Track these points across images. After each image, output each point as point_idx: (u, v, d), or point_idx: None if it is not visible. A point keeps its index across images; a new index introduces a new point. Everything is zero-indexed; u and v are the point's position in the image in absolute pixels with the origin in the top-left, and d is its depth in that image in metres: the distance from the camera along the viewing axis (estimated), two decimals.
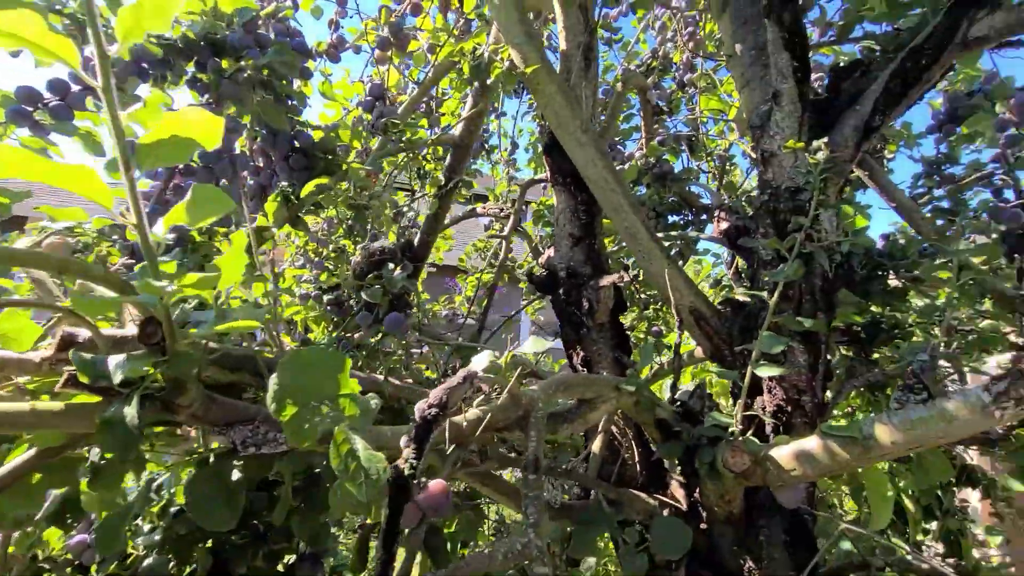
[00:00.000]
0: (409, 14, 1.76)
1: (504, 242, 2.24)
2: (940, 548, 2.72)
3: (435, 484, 0.71)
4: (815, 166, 1.04)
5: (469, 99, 1.80)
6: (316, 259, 2.34)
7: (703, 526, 1.28)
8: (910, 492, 2.23)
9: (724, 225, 1.61)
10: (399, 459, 0.61)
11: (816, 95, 1.46)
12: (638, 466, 1.35)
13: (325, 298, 2.11)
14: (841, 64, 1.35)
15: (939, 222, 2.09)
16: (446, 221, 2.05)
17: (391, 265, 1.87)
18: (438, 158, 2.02)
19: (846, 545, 1.72)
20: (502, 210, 2.35)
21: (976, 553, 2.75)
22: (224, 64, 1.32)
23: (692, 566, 1.26)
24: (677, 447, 1.14)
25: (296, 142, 1.59)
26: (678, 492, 1.37)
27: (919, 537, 2.22)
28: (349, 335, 2.00)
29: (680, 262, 2.24)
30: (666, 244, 1.99)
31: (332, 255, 2.41)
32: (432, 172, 1.91)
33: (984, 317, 2.30)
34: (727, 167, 2.19)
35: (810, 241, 1.09)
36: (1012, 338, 2.11)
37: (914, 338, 2.68)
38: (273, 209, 1.46)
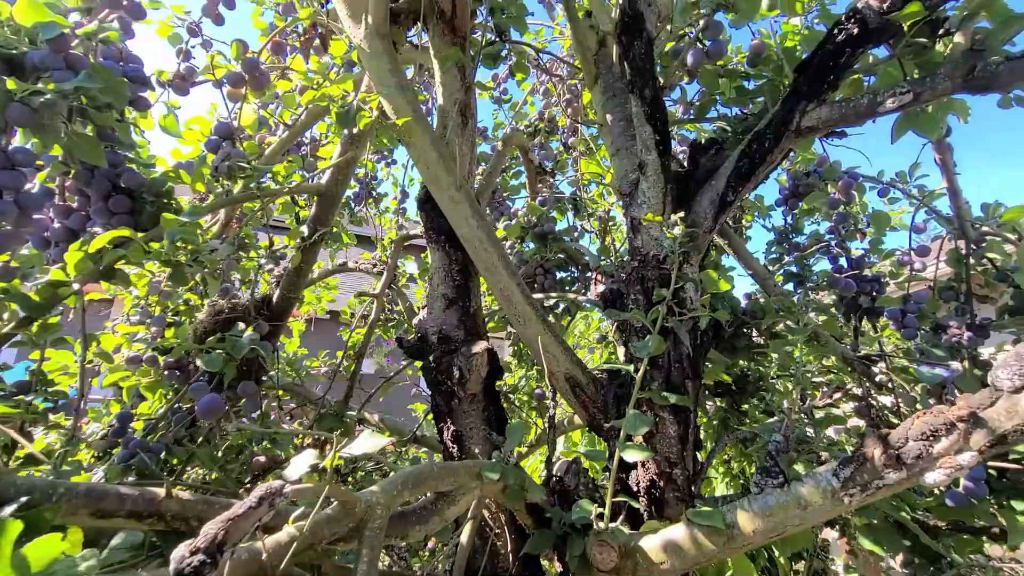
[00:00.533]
0: (272, 52, 1.62)
1: (376, 301, 2.08)
2: None
3: None
4: (673, 240, 1.04)
5: (338, 146, 1.67)
6: (157, 315, 2.00)
7: None
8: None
9: (600, 288, 1.61)
10: None
11: (681, 167, 1.54)
12: (511, 556, 1.22)
13: (164, 361, 1.78)
14: (699, 142, 1.43)
15: (790, 285, 2.31)
16: (314, 275, 1.86)
17: (241, 325, 1.62)
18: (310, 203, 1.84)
19: None
20: (375, 265, 2.20)
21: None
22: (11, 84, 1.08)
23: None
24: (547, 538, 1.03)
25: (119, 181, 1.35)
26: None
27: None
28: (189, 405, 1.69)
29: (568, 318, 2.23)
30: (550, 302, 1.96)
31: (180, 309, 2.08)
32: (299, 218, 1.72)
33: (831, 371, 2.52)
34: (608, 228, 2.25)
35: (672, 315, 1.08)
36: (855, 391, 2.31)
37: (777, 389, 2.87)
38: (75, 259, 1.19)
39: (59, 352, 1.83)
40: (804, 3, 1.58)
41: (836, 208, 1.89)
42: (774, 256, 2.39)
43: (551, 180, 2.17)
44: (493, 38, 1.60)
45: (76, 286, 1.20)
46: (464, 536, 1.18)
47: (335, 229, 1.68)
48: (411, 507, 0.92)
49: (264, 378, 1.69)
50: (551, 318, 1.69)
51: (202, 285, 1.75)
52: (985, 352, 1.97)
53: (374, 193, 2.97)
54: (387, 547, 1.09)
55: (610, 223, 2.29)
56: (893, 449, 0.73)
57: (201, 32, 1.55)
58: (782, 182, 2.36)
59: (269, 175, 1.36)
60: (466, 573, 1.18)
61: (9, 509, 0.54)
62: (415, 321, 1.49)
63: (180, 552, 0.49)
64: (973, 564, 1.56)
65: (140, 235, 1.10)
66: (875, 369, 1.89)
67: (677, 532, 0.89)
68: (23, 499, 0.56)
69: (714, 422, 2.75)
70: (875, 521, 1.54)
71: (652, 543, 0.91)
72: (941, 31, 1.07)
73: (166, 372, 1.78)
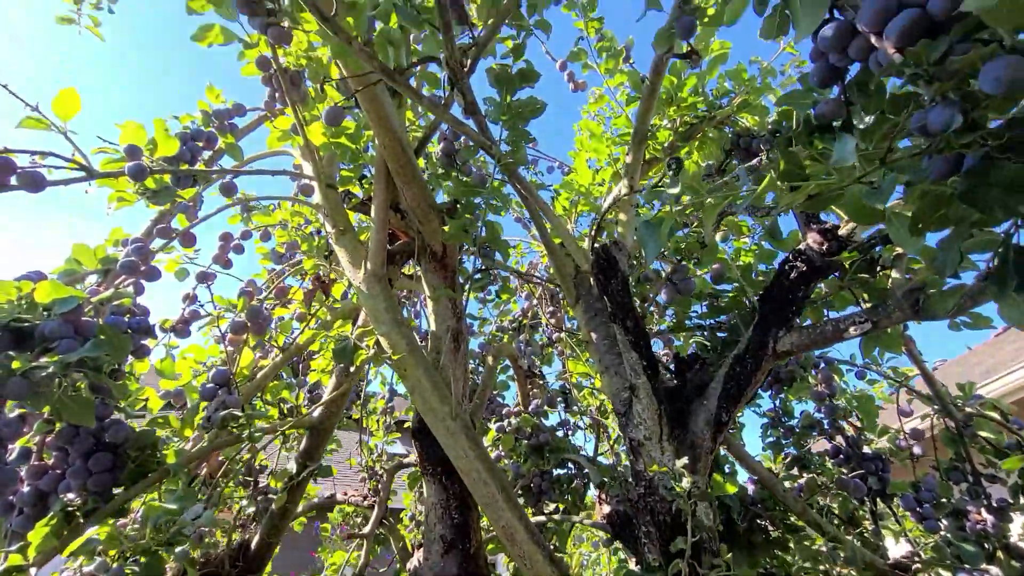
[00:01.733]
0: (276, 298, 1.74)
1: (366, 543, 1.91)
2: None
3: None
4: (683, 492, 1.03)
5: (332, 379, 1.70)
6: (117, 566, 1.78)
7: None
8: None
9: (606, 509, 1.52)
10: None
11: (670, 375, 1.59)
12: None
13: None
14: (684, 356, 1.50)
15: (794, 469, 2.24)
16: (299, 509, 1.73)
17: None
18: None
19: None
20: (365, 498, 2.07)
21: None
22: (16, 364, 1.10)
23: None
24: None
25: (104, 436, 1.31)
26: None
27: None
28: None
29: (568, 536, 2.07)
30: (552, 523, 1.83)
31: (143, 558, 1.86)
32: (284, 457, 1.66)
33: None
34: (601, 427, 2.23)
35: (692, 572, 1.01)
36: None
37: None
38: (39, 539, 1.08)
39: None
40: (747, 226, 1.82)
41: (823, 401, 1.94)
42: (771, 440, 2.36)
43: (541, 381, 2.21)
44: (480, 267, 1.76)
45: (33, 571, 1.08)
46: None
47: (327, 467, 1.62)
48: None
49: None
50: (558, 559, 1.56)
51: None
52: (1014, 534, 1.87)
53: (361, 396, 2.95)
54: None
55: (605, 416, 2.28)
56: None
57: (212, 280, 1.67)
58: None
59: (262, 419, 1.34)
60: None
61: None
62: (410, 566, 1.35)
63: None
64: None
65: (109, 523, 1.02)
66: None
67: None
68: None
69: None
70: None
71: None
72: (879, 268, 1.22)
73: None
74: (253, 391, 1.71)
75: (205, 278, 1.68)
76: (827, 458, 2.22)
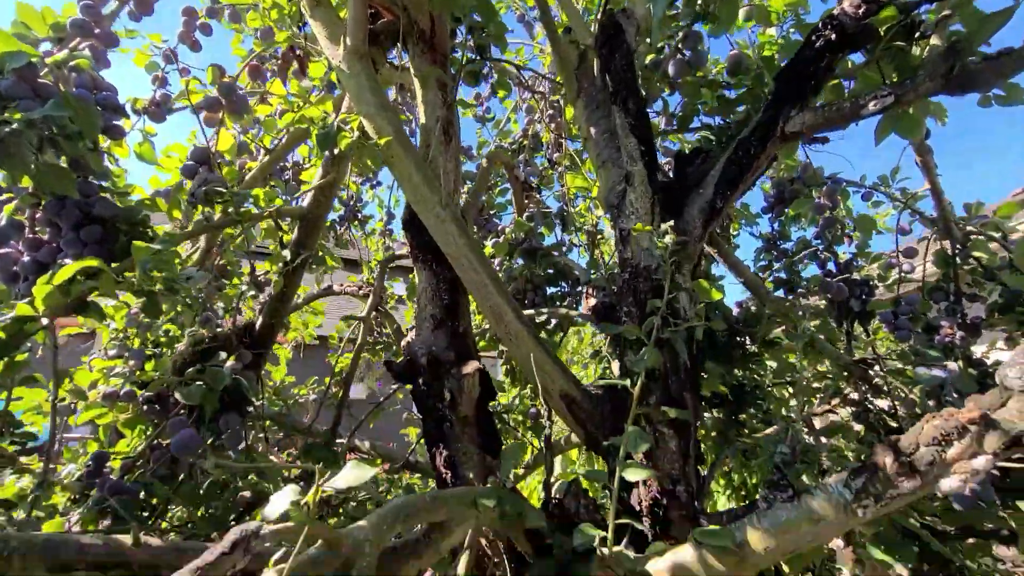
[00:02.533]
0: (249, 77, 1.60)
1: (363, 324, 2.03)
2: None
3: None
4: (664, 249, 1.02)
5: (319, 168, 1.65)
6: (135, 348, 1.93)
7: None
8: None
9: (592, 302, 1.58)
10: None
11: (666, 178, 1.53)
12: None
13: (142, 396, 1.71)
14: (684, 152, 1.42)
15: (779, 292, 2.30)
16: (299, 300, 1.81)
17: (222, 355, 1.57)
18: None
19: None
20: (361, 288, 2.15)
21: None
22: None
23: None
24: (548, 566, 0.98)
25: (92, 210, 1.30)
26: None
27: None
28: (169, 441, 1.62)
29: (560, 334, 2.20)
30: (541, 318, 1.93)
31: (161, 340, 2.01)
32: (283, 242, 1.68)
33: (826, 377, 2.50)
34: (597, 241, 2.24)
35: (667, 325, 1.05)
36: (852, 395, 2.29)
37: (774, 396, 2.85)
38: (43, 293, 1.13)
39: (31, 391, 1.76)
40: (779, 13, 1.60)
41: (822, 213, 1.90)
42: (763, 263, 2.39)
43: (538, 196, 2.16)
44: (474, 56, 1.59)
45: (45, 321, 1.15)
46: (461, 567, 1.12)
47: (319, 252, 1.64)
48: (403, 540, 0.87)
49: (249, 409, 1.62)
50: (543, 335, 1.66)
51: (181, 315, 1.69)
52: (978, 351, 1.97)
53: (359, 215, 2.94)
54: None
55: (599, 237, 2.28)
56: (905, 456, 0.70)
57: (177, 59, 1.53)
58: (767, 190, 2.38)
59: (250, 200, 1.32)
60: None
61: None
62: (403, 344, 1.44)
63: None
64: (986, 571, 1.52)
65: (113, 265, 1.04)
66: (871, 373, 1.87)
67: (685, 554, 0.85)
68: None
69: (713, 434, 2.71)
70: (883, 529, 1.50)
71: (659, 567, 0.87)
72: (917, 34, 1.08)
73: (145, 407, 1.71)
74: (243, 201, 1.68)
75: (171, 58, 1.53)
76: (814, 286, 2.26)
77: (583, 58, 1.58)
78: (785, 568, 2.29)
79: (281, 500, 0.66)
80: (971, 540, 1.61)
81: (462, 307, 1.44)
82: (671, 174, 1.54)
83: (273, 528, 0.59)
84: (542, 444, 1.12)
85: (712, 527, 0.83)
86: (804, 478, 1.06)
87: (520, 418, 2.11)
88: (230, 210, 1.28)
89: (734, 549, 0.79)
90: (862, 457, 0.74)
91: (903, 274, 2.04)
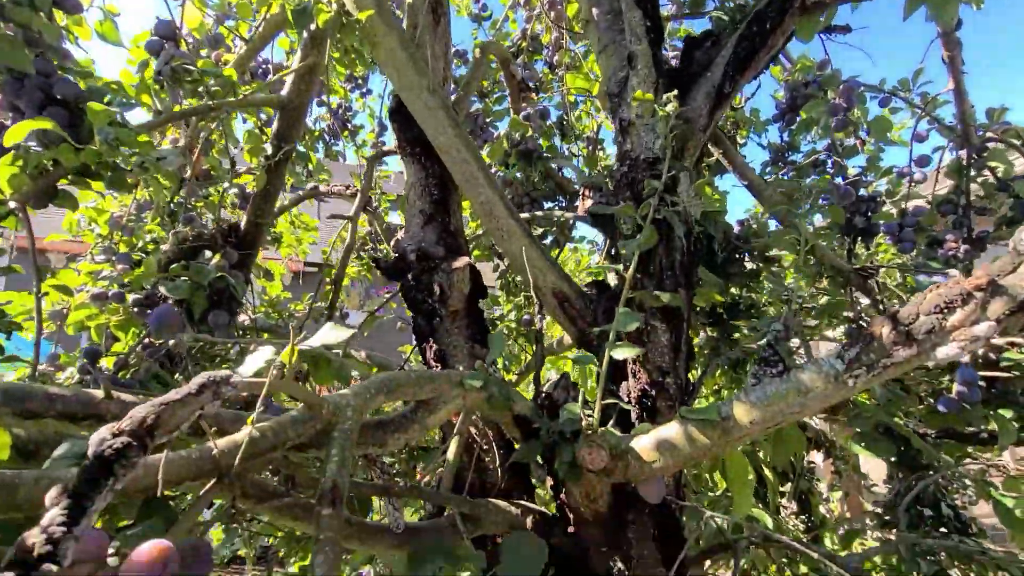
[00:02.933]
0: None
1: (351, 224, 1.97)
2: (794, 506, 2.97)
3: (147, 551, 0.47)
4: (665, 119, 0.95)
5: (297, 51, 1.53)
6: (122, 251, 1.89)
7: (570, 529, 1.16)
8: (768, 461, 2.36)
9: (588, 203, 1.52)
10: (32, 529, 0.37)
11: (668, 64, 1.42)
12: (499, 470, 1.19)
13: (131, 298, 1.69)
14: (694, 35, 1.30)
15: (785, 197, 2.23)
16: (285, 202, 1.75)
17: (207, 254, 1.53)
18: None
19: (719, 519, 1.74)
20: (349, 187, 2.08)
21: (822, 508, 3.04)
22: None
23: (560, 574, 1.13)
24: (536, 446, 1.00)
25: (53, 92, 1.21)
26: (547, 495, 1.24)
27: (777, 499, 2.37)
28: (161, 342, 1.62)
29: (556, 250, 2.15)
30: (539, 232, 1.88)
31: (148, 247, 1.97)
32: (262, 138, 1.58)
33: (824, 293, 2.49)
34: (596, 150, 2.14)
35: (664, 205, 1.00)
36: (847, 313, 2.28)
37: (768, 315, 2.86)
38: (8, 174, 1.07)
39: (19, 295, 1.74)
40: None
41: (836, 114, 1.79)
42: (769, 175, 2.30)
43: (535, 98, 2.04)
44: None
45: (12, 204, 1.10)
46: (451, 452, 1.15)
47: (304, 150, 1.55)
48: (389, 416, 0.87)
49: (238, 311, 1.61)
50: (535, 235, 1.61)
51: (156, 203, 1.62)
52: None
53: (349, 126, 2.80)
54: (371, 461, 1.06)
55: (599, 145, 2.18)
56: (903, 325, 0.68)
57: None
58: (778, 97, 2.24)
59: (222, 82, 1.22)
60: (454, 489, 1.16)
61: None
62: (392, 242, 1.40)
63: (100, 435, 0.43)
64: (958, 467, 1.57)
65: (57, 127, 0.97)
66: (869, 283, 1.85)
67: (670, 430, 0.85)
68: None
69: (705, 351, 2.74)
70: (860, 431, 1.53)
71: (643, 443, 0.87)
72: None
73: (135, 309, 1.69)
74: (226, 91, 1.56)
75: None
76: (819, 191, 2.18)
77: None
78: (768, 474, 2.39)
79: (257, 358, 0.64)
80: (951, 442, 1.65)
81: (452, 203, 1.39)
82: (677, 63, 1.43)
83: (246, 380, 0.57)
84: (535, 346, 1.11)
85: (698, 406, 0.83)
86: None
87: (513, 325, 2.11)
88: (200, 90, 1.18)
89: (718, 422, 0.79)
90: (857, 329, 0.71)
91: (913, 184, 1.96)
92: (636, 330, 1.07)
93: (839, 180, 2.11)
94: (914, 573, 1.66)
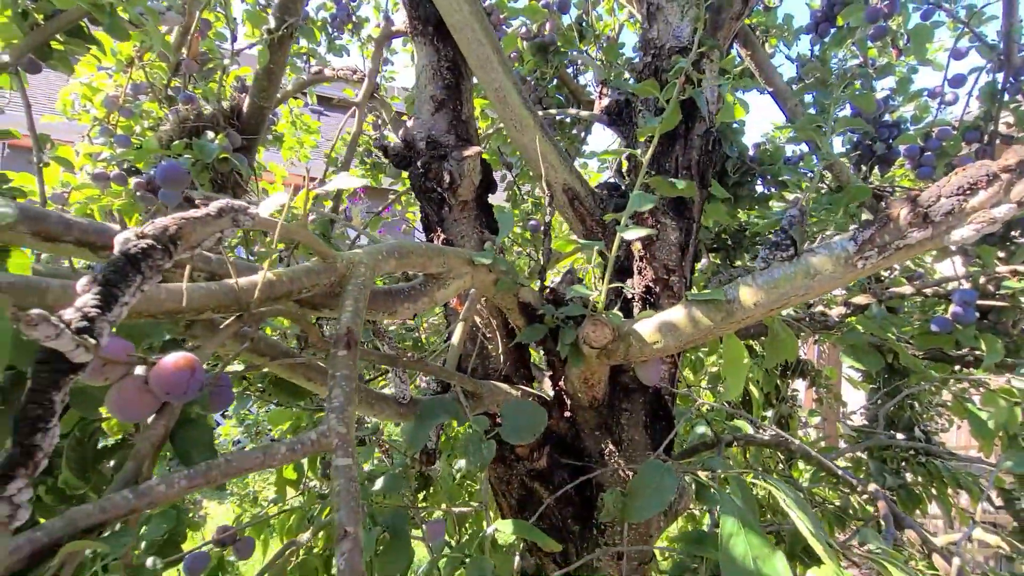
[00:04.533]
0: None
1: (357, 111, 1.90)
2: (774, 429, 3.12)
3: (173, 359, 0.50)
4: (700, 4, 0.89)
5: None
6: (122, 133, 1.84)
7: (567, 414, 1.22)
8: (757, 382, 2.46)
9: (605, 102, 1.46)
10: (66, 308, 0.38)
11: None
12: (502, 357, 1.24)
13: (133, 181, 1.67)
14: None
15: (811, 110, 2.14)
16: (288, 87, 1.67)
17: (210, 134, 1.49)
18: None
19: (701, 428, 1.84)
20: (355, 72, 1.98)
21: (800, 432, 3.20)
22: None
23: (554, 453, 1.21)
24: (539, 330, 1.02)
25: None
26: (545, 385, 1.29)
27: (760, 414, 2.49)
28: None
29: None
30: (547, 115, 1.81)
31: (146, 132, 1.91)
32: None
33: (830, 218, 2.46)
34: (615, 50, 2.02)
35: (690, 85, 0.96)
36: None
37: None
38: None
39: (19, 174, 1.71)
40: None
41: (875, 20, 1.68)
42: (795, 90, 2.20)
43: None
44: None
45: (6, 57, 1.04)
46: (455, 337, 1.18)
47: (308, 25, 1.46)
48: (400, 286, 0.89)
49: (243, 197, 1.59)
50: (548, 129, 1.56)
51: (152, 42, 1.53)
52: None
53: (354, 17, 2.63)
54: (378, 333, 1.09)
55: (617, 44, 2.05)
56: (921, 207, 0.67)
57: None
58: (814, 6, 2.09)
59: None
60: (457, 371, 1.20)
61: None
62: (401, 131, 1.36)
63: (125, 235, 0.43)
64: (941, 379, 1.63)
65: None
66: (882, 204, 1.82)
67: (673, 313, 0.87)
68: None
69: (707, 275, 2.76)
70: (852, 344, 1.58)
71: (646, 325, 0.90)
72: None
73: (138, 193, 1.67)
74: None
75: None
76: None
77: None
78: (754, 391, 2.49)
79: (271, 202, 0.64)
80: (938, 363, 1.71)
81: (464, 90, 1.33)
82: None
83: (261, 217, 0.57)
84: (543, 245, 1.11)
85: (704, 290, 0.84)
86: None
87: (518, 230, 2.11)
88: None
89: (723, 303, 0.80)
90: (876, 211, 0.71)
91: (944, 104, 1.88)
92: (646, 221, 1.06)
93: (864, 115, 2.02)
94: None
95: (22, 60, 1.13)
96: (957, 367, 1.68)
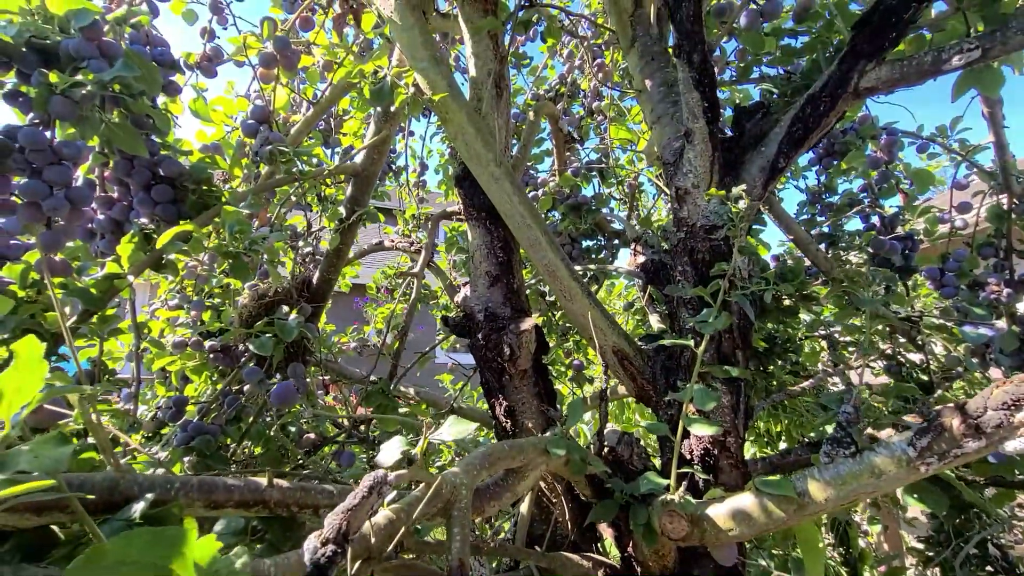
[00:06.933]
0: (299, 28, 1.57)
1: (416, 280, 2.08)
2: (831, 537, 2.97)
3: None
4: (736, 214, 1.03)
5: (371, 125, 1.64)
6: (195, 298, 2.03)
7: None
8: None
9: (641, 259, 1.60)
10: None
11: (721, 133, 1.50)
12: (569, 524, 1.26)
13: (208, 344, 1.82)
14: (744, 105, 1.38)
15: (822, 246, 2.28)
16: (350, 255, 1.86)
17: (285, 308, 1.64)
18: (339, 183, 1.82)
19: None
20: (412, 244, 2.19)
21: (860, 541, 3.03)
22: (53, 78, 1.06)
23: None
24: (611, 507, 1.07)
25: (159, 170, 1.34)
26: (613, 547, 1.31)
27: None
28: (238, 388, 1.74)
29: (595, 287, 2.23)
30: (583, 273, 1.96)
31: (216, 291, 2.11)
32: (334, 197, 1.71)
33: (859, 331, 2.52)
34: (637, 195, 2.22)
35: (733, 288, 1.07)
36: (887, 351, 2.30)
37: (804, 350, 2.88)
38: (128, 252, 1.20)
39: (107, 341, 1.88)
40: None
41: (877, 167, 1.85)
42: (806, 217, 2.36)
43: (578, 148, 2.13)
44: (524, 2, 1.54)
45: (131, 278, 1.22)
46: (524, 507, 1.22)
47: (372, 211, 1.67)
48: (484, 484, 0.96)
49: (311, 361, 1.72)
50: (595, 295, 1.69)
51: (268, 280, 1.75)
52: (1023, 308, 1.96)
53: (394, 167, 2.94)
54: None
55: (638, 190, 2.26)
56: (972, 419, 0.74)
57: (225, 7, 1.51)
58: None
59: (310, 158, 1.34)
60: (526, 541, 1.23)
61: (139, 506, 0.56)
62: (457, 299, 1.49)
63: (312, 544, 0.52)
64: (1010, 516, 1.59)
65: (198, 229, 1.09)
66: (912, 330, 1.88)
67: (745, 501, 0.92)
68: (148, 496, 0.58)
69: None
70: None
71: (719, 511, 0.94)
72: None
73: (211, 356, 1.81)
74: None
75: (217, 9, 1.51)
76: (857, 237, 2.24)
77: (638, 4, 1.51)
78: None
79: (391, 450, 0.73)
80: (1000, 489, 1.67)
81: (515, 264, 1.48)
82: (727, 129, 1.51)
83: (396, 474, 0.66)
84: (590, 395, 1.19)
85: (772, 477, 0.89)
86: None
87: (563, 369, 2.18)
88: (288, 167, 1.30)
89: (795, 498, 0.85)
90: (927, 418, 0.78)
91: (955, 230, 2.00)
92: None
93: (875, 219, 2.16)
94: None
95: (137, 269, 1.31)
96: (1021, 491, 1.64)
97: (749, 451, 3.01)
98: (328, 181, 2.03)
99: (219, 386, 1.81)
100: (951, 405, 0.76)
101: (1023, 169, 1.89)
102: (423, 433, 0.72)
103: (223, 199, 1.31)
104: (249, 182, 1.40)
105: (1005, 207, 1.96)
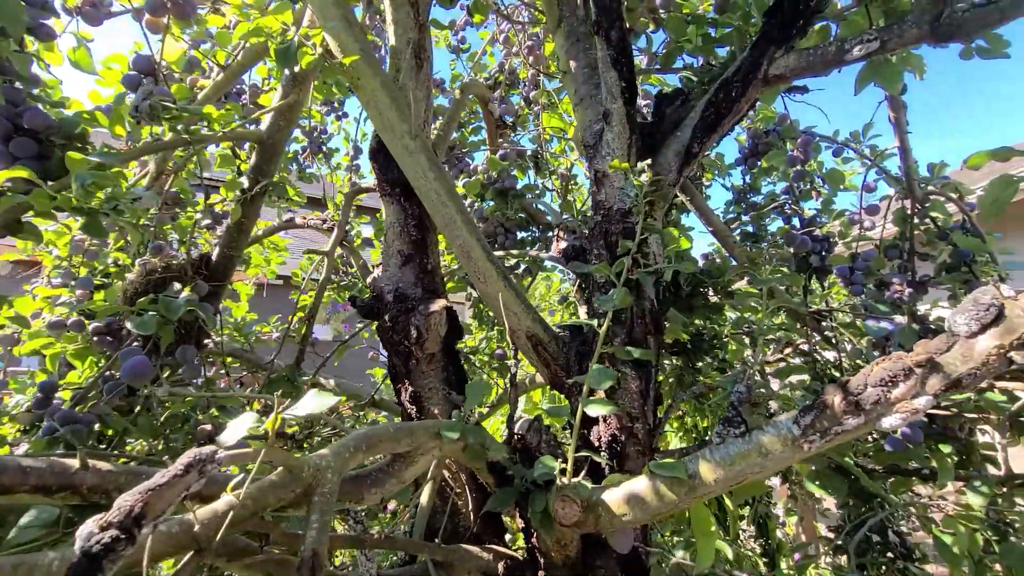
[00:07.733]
0: None
1: (327, 259, 1.97)
2: (752, 529, 3.06)
3: None
4: (640, 188, 1.00)
5: (279, 89, 1.53)
6: (82, 276, 1.83)
7: (540, 573, 1.18)
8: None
9: (562, 244, 1.57)
10: None
11: (644, 119, 1.49)
12: (472, 514, 1.21)
13: (92, 326, 1.63)
14: (665, 92, 1.38)
15: (746, 244, 2.35)
16: (259, 232, 1.73)
17: (177, 286, 1.50)
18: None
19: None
20: (325, 221, 2.07)
21: (778, 532, 3.15)
22: None
23: None
24: (509, 495, 1.02)
25: (21, 121, 1.18)
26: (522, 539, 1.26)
27: (736, 525, 2.45)
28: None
29: (529, 279, 2.19)
30: (512, 262, 1.91)
31: (110, 269, 1.91)
32: (240, 171, 1.57)
33: (781, 329, 2.61)
34: (570, 186, 2.20)
35: (637, 267, 1.05)
36: (803, 347, 2.40)
37: (730, 347, 2.96)
38: None
39: None
40: None
41: (794, 166, 1.91)
42: (731, 215, 2.42)
43: (511, 134, 2.09)
44: None
45: None
46: (424, 497, 1.15)
47: (280, 183, 1.55)
48: (366, 470, 0.88)
49: (207, 343, 1.57)
50: (511, 278, 1.65)
51: (130, 243, 1.58)
52: (923, 308, 2.08)
53: (324, 148, 2.79)
54: (343, 512, 1.05)
55: (572, 181, 2.24)
56: (852, 396, 0.73)
57: None
58: (742, 141, 2.37)
59: (201, 119, 1.22)
60: (427, 533, 1.16)
61: None
62: (369, 280, 1.41)
63: (88, 528, 0.43)
64: (906, 503, 1.67)
65: (49, 184, 0.96)
66: (823, 324, 1.96)
67: (639, 484, 0.89)
68: None
69: (670, 380, 2.82)
70: (817, 467, 1.62)
71: (614, 496, 0.91)
72: None
73: (95, 338, 1.63)
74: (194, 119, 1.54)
75: None
76: (780, 238, 2.32)
77: None
78: (728, 502, 2.46)
79: (238, 426, 0.65)
80: (897, 477, 1.76)
81: (430, 243, 1.41)
82: (649, 116, 1.50)
83: (229, 453, 0.57)
84: (507, 384, 1.14)
85: (666, 460, 0.87)
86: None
87: (486, 359, 2.13)
88: (179, 127, 1.18)
89: (685, 480, 0.83)
90: (812, 397, 0.77)
91: (863, 231, 2.10)
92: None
93: (796, 220, 2.24)
94: None
95: None
96: (916, 480, 1.73)
97: (673, 443, 3.06)
98: (242, 155, 1.88)
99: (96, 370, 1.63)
100: (835, 384, 0.76)
101: (925, 175, 2.00)
102: (275, 409, 0.64)
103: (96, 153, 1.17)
104: (131, 144, 1.25)
105: (909, 211, 2.07)
